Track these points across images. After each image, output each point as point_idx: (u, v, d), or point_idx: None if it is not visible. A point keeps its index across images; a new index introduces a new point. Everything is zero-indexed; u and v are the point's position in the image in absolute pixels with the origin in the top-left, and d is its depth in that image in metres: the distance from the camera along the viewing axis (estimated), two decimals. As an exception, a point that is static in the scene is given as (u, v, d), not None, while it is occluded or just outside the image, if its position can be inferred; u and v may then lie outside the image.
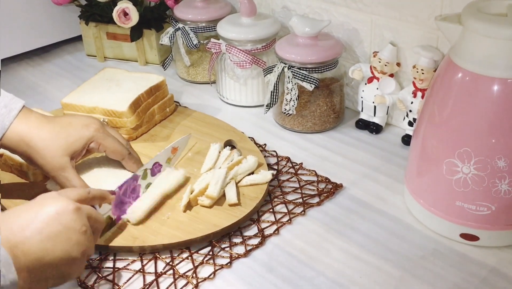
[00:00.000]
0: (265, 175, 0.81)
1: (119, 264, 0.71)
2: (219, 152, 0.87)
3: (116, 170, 0.82)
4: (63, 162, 0.74)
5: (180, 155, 0.86)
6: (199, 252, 0.72)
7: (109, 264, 0.72)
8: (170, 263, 0.71)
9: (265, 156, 0.90)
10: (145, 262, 0.71)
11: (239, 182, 0.81)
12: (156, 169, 0.79)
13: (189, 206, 0.77)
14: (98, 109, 0.92)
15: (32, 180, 0.84)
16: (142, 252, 0.72)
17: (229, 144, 0.90)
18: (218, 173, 0.79)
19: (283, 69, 0.93)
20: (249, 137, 0.95)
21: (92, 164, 0.84)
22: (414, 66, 0.87)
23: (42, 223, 0.57)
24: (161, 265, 0.71)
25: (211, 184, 0.78)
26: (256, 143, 0.94)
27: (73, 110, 0.94)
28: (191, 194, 0.78)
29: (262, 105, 1.01)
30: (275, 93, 0.95)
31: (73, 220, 0.59)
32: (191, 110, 1.02)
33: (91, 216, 0.62)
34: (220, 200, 0.78)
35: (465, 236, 0.72)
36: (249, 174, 0.83)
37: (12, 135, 0.73)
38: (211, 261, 0.71)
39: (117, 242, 0.72)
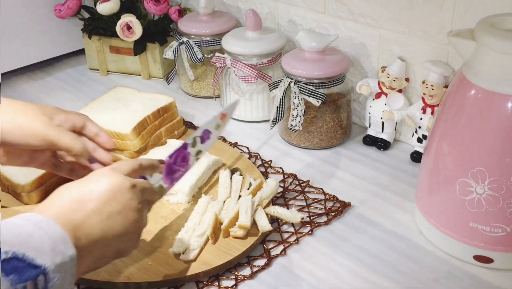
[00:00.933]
0: (295, 215, 0.76)
1: None
2: (230, 179, 0.84)
3: None
4: (46, 121, 0.67)
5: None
6: (204, 273, 0.70)
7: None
8: (174, 286, 0.69)
9: (271, 173, 0.88)
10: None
11: (264, 207, 0.78)
12: (205, 136, 0.77)
13: (215, 237, 0.73)
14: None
15: (26, 202, 0.81)
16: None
17: (239, 172, 0.86)
18: (245, 201, 0.76)
19: (289, 84, 0.91)
20: (254, 154, 0.93)
21: None
22: (423, 82, 0.85)
23: (100, 201, 0.56)
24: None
25: (241, 213, 0.74)
26: (261, 160, 0.92)
27: None
28: (221, 225, 0.74)
29: (268, 121, 1.00)
30: (281, 109, 0.93)
31: (130, 198, 0.58)
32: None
33: (146, 189, 0.62)
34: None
35: (479, 258, 0.69)
36: (272, 198, 0.80)
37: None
38: (216, 283, 0.69)
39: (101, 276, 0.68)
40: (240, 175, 0.85)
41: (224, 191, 0.81)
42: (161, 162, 0.68)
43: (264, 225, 0.74)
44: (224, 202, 0.79)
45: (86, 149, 0.69)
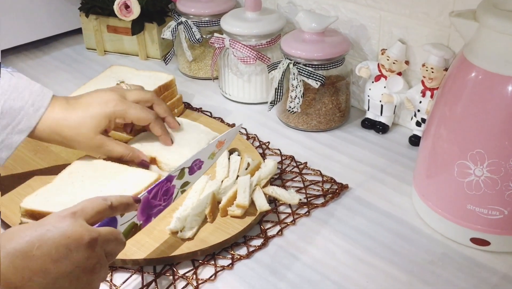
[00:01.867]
0: (293, 197, 0.76)
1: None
2: (228, 159, 0.83)
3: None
4: (97, 140, 0.78)
5: (227, 148, 0.76)
6: (200, 252, 0.70)
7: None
8: (170, 264, 0.68)
9: (268, 154, 0.88)
10: (143, 262, 0.69)
11: (263, 187, 0.77)
12: (196, 166, 0.70)
13: (213, 216, 0.73)
14: None
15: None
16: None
17: (237, 152, 0.86)
18: (243, 181, 0.75)
19: (288, 65, 0.90)
20: (252, 135, 0.92)
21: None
22: (423, 65, 0.84)
23: (49, 259, 0.48)
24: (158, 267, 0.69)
25: (239, 192, 0.74)
26: (259, 141, 0.91)
27: None
28: (219, 204, 0.74)
29: (266, 103, 0.99)
30: (279, 90, 0.92)
31: (86, 257, 0.50)
32: (198, 114, 0.98)
33: (110, 242, 0.54)
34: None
35: (475, 241, 0.69)
36: (271, 178, 0.80)
37: (43, 128, 0.76)
38: (212, 262, 0.69)
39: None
40: (238, 155, 0.84)
41: (222, 170, 0.81)
42: (137, 200, 0.60)
43: (263, 204, 0.74)
44: (222, 182, 0.78)
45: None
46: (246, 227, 0.72)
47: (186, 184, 0.69)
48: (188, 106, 1.01)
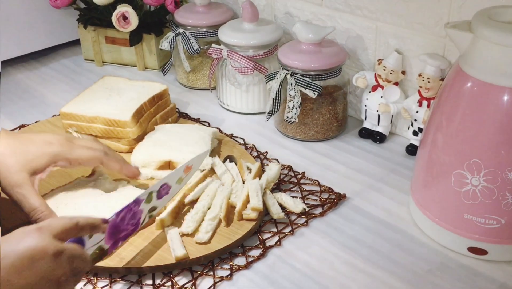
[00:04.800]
0: (297, 205, 0.77)
1: (115, 276, 0.69)
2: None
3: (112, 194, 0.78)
4: (19, 178, 0.68)
5: (193, 174, 0.77)
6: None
7: (105, 275, 0.69)
8: (169, 275, 0.69)
9: (266, 164, 0.88)
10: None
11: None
12: (164, 190, 0.70)
13: (228, 220, 0.74)
14: (99, 119, 0.89)
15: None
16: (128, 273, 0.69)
17: (230, 159, 0.87)
18: (254, 184, 0.77)
19: (285, 76, 0.91)
20: (250, 145, 0.93)
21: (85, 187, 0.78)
22: (420, 75, 0.85)
23: (12, 270, 0.47)
24: (159, 276, 0.69)
25: (252, 196, 0.75)
26: (257, 151, 0.91)
27: (73, 120, 0.91)
28: (232, 208, 0.76)
29: (264, 113, 0.99)
30: (277, 101, 0.93)
31: (51, 268, 0.49)
32: (192, 122, 0.99)
33: (75, 258, 0.52)
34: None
35: (473, 250, 0.70)
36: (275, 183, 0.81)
37: None
38: (211, 273, 0.69)
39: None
40: (231, 161, 0.85)
41: (225, 175, 0.82)
42: (105, 221, 0.59)
43: (279, 212, 0.76)
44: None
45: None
46: (246, 233, 0.73)
47: (153, 208, 0.70)
48: (186, 116, 1.02)
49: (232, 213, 0.75)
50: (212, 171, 0.83)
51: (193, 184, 0.79)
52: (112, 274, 0.69)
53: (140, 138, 0.90)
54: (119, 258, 0.69)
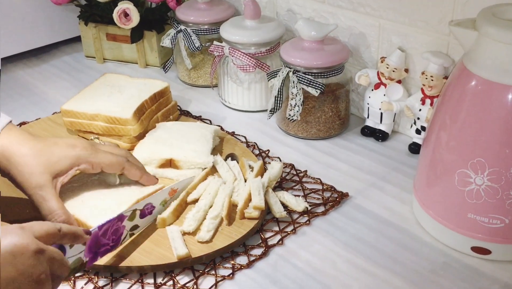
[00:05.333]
0: (299, 204, 0.77)
1: (116, 274, 0.69)
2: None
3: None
4: (42, 179, 0.68)
5: (179, 197, 0.76)
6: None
7: (106, 273, 0.69)
8: (171, 274, 0.68)
9: (268, 162, 0.88)
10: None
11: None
12: (147, 210, 0.71)
13: (230, 219, 0.74)
14: (100, 116, 0.89)
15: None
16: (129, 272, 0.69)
17: (231, 157, 0.86)
18: (256, 183, 0.76)
19: (287, 73, 0.90)
20: (252, 143, 0.92)
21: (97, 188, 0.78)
22: (423, 73, 0.84)
23: None
24: (160, 275, 0.68)
25: (254, 194, 0.75)
26: (259, 149, 0.91)
27: (73, 118, 0.90)
28: (234, 206, 0.75)
29: (265, 110, 0.99)
30: (279, 98, 0.92)
31: (31, 265, 0.49)
32: (193, 120, 0.99)
33: (55, 260, 0.52)
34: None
35: (476, 250, 0.69)
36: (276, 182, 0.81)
37: None
38: (213, 272, 0.69)
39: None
40: (233, 159, 0.85)
41: (228, 173, 0.81)
42: (87, 232, 0.59)
43: (281, 210, 0.75)
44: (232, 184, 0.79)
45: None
46: (249, 231, 0.73)
47: (135, 227, 0.70)
48: (187, 114, 1.01)
49: (234, 211, 0.75)
50: (213, 169, 0.83)
51: (195, 182, 0.79)
52: (113, 273, 0.68)
53: (141, 136, 0.90)
54: (120, 256, 0.69)
